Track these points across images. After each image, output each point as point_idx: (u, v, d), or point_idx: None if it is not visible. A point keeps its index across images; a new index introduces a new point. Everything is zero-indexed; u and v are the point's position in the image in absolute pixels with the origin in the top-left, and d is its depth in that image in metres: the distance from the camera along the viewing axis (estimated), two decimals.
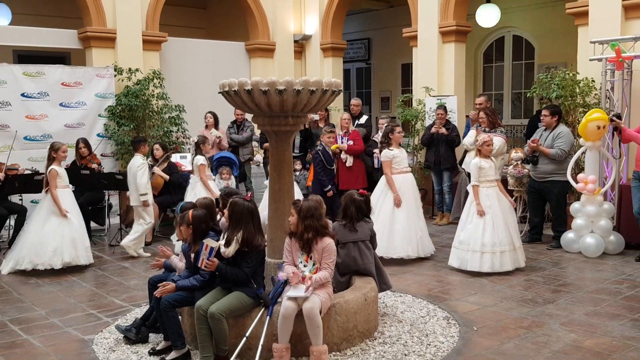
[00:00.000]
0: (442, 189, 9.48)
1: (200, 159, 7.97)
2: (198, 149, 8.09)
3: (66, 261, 7.04)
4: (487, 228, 6.48)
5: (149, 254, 7.77)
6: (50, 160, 7.17)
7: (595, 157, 7.46)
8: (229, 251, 4.40)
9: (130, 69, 10.06)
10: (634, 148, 7.37)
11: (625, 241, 7.37)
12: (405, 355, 4.50)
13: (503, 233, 6.49)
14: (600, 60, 7.83)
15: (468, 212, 6.69)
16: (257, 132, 10.15)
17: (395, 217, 7.11)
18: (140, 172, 7.64)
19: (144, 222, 7.74)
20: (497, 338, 4.82)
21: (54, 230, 7.05)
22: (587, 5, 8.25)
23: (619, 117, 7.27)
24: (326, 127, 8.75)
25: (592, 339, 4.75)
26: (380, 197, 7.27)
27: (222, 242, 4.48)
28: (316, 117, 9.81)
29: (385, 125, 7.84)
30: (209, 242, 4.41)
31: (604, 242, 7.25)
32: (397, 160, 7.22)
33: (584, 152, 7.51)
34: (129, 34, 10.34)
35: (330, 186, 8.27)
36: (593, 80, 8.09)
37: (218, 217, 5.25)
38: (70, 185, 7.50)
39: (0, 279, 6.91)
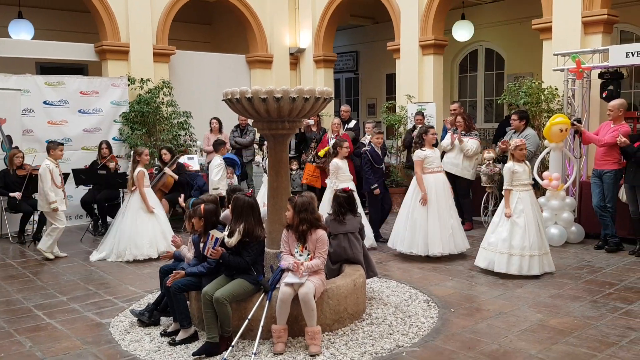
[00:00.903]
0: None
1: None
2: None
3: (162, 250, 7.02)
4: (518, 231, 5.88)
5: None
6: (135, 163, 7.16)
7: (559, 156, 7.50)
8: (232, 241, 4.39)
9: (142, 79, 10.01)
10: (593, 149, 7.41)
11: (585, 231, 7.42)
12: (390, 334, 4.51)
13: (534, 237, 5.88)
14: (562, 70, 7.85)
15: (501, 215, 6.07)
16: (258, 135, 10.12)
17: (428, 216, 6.61)
18: (215, 170, 7.71)
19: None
20: (472, 318, 4.83)
21: (145, 225, 7.10)
22: (551, 22, 8.31)
23: (579, 121, 7.32)
24: (375, 129, 8.26)
25: (556, 319, 4.77)
26: (412, 196, 6.79)
27: (226, 233, 4.48)
28: (310, 121, 9.78)
29: (420, 126, 7.58)
30: (215, 233, 4.41)
31: (567, 232, 7.29)
32: (429, 161, 6.71)
33: (548, 153, 7.53)
34: (141, 48, 10.30)
35: (376, 185, 7.57)
36: (556, 89, 8.12)
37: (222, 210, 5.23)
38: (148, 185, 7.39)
39: (26, 269, 6.87)
